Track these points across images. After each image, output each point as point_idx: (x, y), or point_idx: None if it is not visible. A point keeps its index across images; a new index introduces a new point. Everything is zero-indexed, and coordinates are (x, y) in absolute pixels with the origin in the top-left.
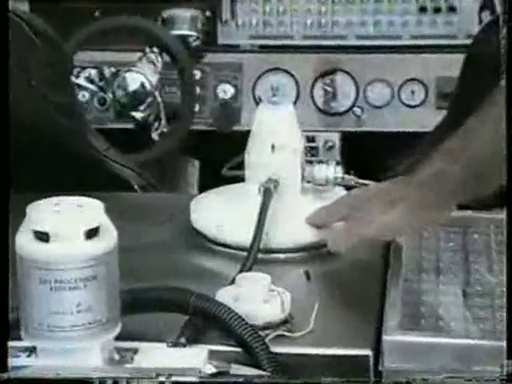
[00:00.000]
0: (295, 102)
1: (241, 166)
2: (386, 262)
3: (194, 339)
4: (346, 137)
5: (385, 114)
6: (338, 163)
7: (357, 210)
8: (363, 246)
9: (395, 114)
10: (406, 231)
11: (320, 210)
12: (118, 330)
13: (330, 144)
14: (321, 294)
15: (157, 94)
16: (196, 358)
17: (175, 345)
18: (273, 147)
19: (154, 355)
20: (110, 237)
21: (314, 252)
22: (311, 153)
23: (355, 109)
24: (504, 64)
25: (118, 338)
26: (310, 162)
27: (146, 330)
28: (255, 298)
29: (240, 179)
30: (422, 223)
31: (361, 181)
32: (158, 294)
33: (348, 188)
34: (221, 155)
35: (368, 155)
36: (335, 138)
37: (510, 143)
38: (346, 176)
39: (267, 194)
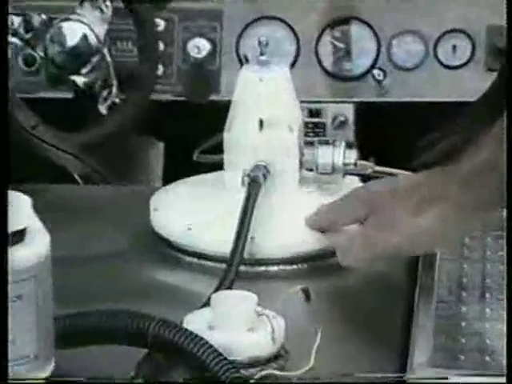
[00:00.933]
0: (293, 63)
1: (218, 148)
2: (414, 276)
3: (154, 380)
4: (363, 109)
5: (415, 79)
6: (350, 145)
7: (377, 211)
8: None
9: (429, 77)
10: (445, 243)
11: (325, 207)
12: (50, 370)
13: (340, 119)
14: (324, 320)
15: (105, 51)
16: None
17: None
18: (261, 123)
19: None
20: (40, 243)
21: (316, 264)
22: (315, 131)
23: (375, 71)
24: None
25: (50, 381)
26: (312, 144)
27: (89, 369)
28: (237, 324)
29: (217, 166)
30: (466, 231)
31: (382, 168)
32: (107, 320)
33: (364, 179)
34: (192, 134)
35: (392, 134)
36: (348, 110)
37: (509, 144)
38: (362, 162)
39: (253, 186)
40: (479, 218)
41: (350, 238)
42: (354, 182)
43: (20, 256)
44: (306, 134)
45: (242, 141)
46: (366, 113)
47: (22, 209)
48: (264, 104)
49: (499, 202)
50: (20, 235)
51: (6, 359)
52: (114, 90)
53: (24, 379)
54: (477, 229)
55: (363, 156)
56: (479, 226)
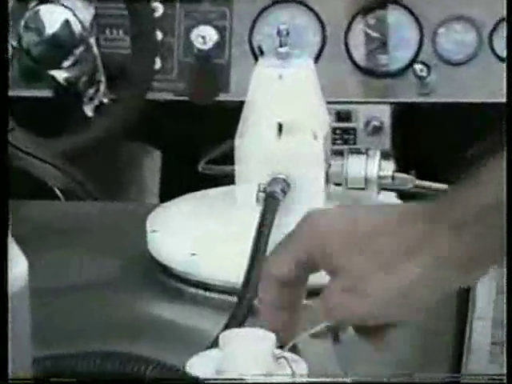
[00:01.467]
0: (318, 57)
1: (228, 158)
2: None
3: None
4: (402, 112)
5: (465, 75)
6: (386, 154)
7: (331, 263)
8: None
9: (483, 73)
10: (423, 307)
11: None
12: None
13: (374, 123)
14: (355, 364)
15: (91, 40)
16: None
17: None
18: (279, 128)
19: None
20: (16, 270)
21: None
22: (344, 138)
23: (417, 66)
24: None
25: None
26: (340, 153)
27: None
28: (251, 369)
29: (226, 179)
30: (449, 291)
31: (424, 183)
32: (95, 363)
33: (403, 194)
34: (196, 141)
35: (436, 141)
36: (383, 113)
37: (509, 144)
38: (400, 175)
39: (270, 203)
40: (467, 275)
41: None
42: (391, 199)
43: None
44: (333, 142)
45: (257, 149)
46: (406, 116)
47: None
48: (283, 105)
49: (496, 258)
50: None
51: (5, 359)
52: (102, 87)
53: (24, 379)
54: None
55: (401, 168)
56: (465, 285)
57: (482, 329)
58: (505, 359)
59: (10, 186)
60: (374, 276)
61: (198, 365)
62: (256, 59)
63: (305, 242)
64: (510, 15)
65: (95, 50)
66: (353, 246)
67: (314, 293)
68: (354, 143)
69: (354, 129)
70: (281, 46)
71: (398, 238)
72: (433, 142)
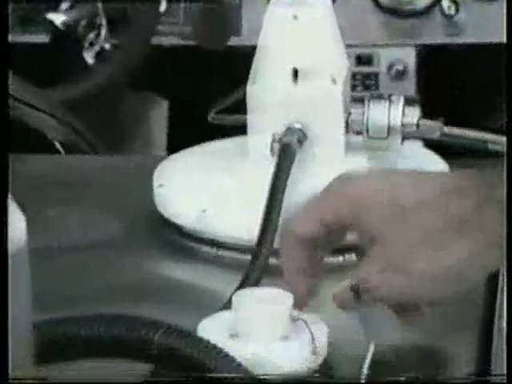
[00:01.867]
0: None
1: (239, 107)
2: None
3: None
4: (428, 54)
5: (497, 12)
6: (411, 100)
7: (368, 233)
8: None
9: None
10: (468, 285)
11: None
12: None
13: (398, 67)
14: (379, 329)
15: None
16: None
17: None
18: (295, 74)
19: None
20: (14, 229)
21: None
22: (365, 83)
23: (444, 3)
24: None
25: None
26: (361, 100)
27: None
28: (267, 332)
29: (238, 130)
30: (492, 269)
31: (452, 130)
32: (101, 327)
33: (429, 143)
34: (205, 89)
35: (465, 86)
36: (408, 56)
37: (509, 143)
38: (427, 122)
39: (286, 154)
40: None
41: None
42: (416, 148)
43: None
44: (353, 88)
45: (271, 97)
46: (432, 59)
47: None
48: (299, 49)
49: None
50: None
51: (5, 359)
52: (103, 32)
53: (24, 379)
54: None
55: (427, 115)
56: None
57: None
58: (505, 359)
59: (10, 139)
60: (418, 252)
61: (210, 328)
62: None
63: (336, 203)
64: (510, 15)
65: None
66: (395, 216)
67: None
68: (376, 89)
69: (375, 73)
70: None
71: (446, 213)
72: (461, 86)
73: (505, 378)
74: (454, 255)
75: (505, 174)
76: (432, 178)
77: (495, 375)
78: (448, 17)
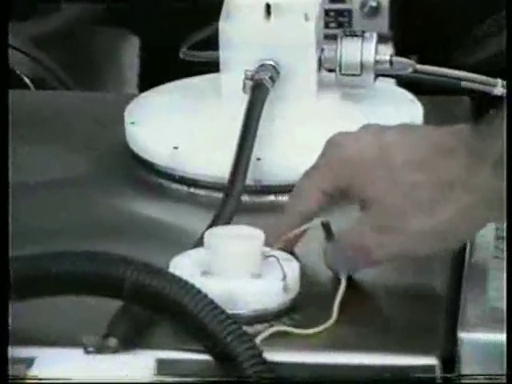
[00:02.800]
0: None
1: (211, 42)
2: None
3: (130, 340)
4: None
5: None
6: (384, 37)
7: (360, 190)
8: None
9: None
10: (457, 242)
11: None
12: None
13: (371, 4)
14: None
15: None
16: (135, 370)
17: (99, 350)
18: (268, 9)
19: (63, 368)
20: None
21: None
22: (338, 20)
23: None
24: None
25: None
26: (334, 37)
27: (51, 326)
28: (238, 269)
29: (210, 66)
30: (480, 228)
31: (424, 67)
32: (73, 263)
33: (401, 81)
34: (177, 25)
35: (438, 21)
36: None
37: (509, 139)
38: (399, 59)
39: (258, 91)
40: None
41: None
42: (389, 86)
43: None
44: (326, 25)
45: (243, 33)
46: None
47: None
48: None
49: None
50: None
51: (5, 359)
52: None
53: (24, 379)
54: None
55: (402, 53)
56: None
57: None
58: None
59: None
60: (411, 212)
61: (182, 265)
62: None
63: (332, 172)
64: (510, 15)
65: None
66: (386, 178)
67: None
68: (350, 26)
69: (349, 10)
70: None
71: (439, 172)
72: (434, 21)
73: (505, 378)
74: (445, 215)
75: (505, 174)
76: (423, 136)
77: (495, 375)
78: None
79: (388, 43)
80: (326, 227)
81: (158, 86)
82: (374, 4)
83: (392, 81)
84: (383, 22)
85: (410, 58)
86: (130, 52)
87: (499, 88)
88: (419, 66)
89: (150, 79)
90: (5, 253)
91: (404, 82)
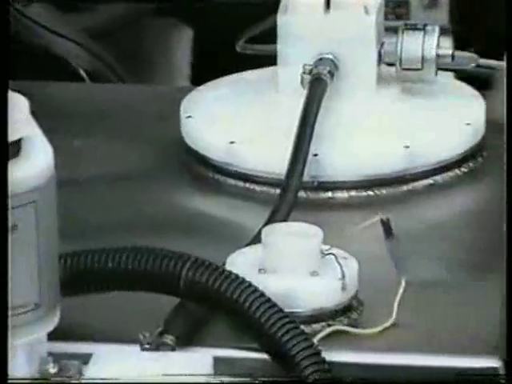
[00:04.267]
0: None
1: (269, 36)
2: None
3: (188, 338)
4: None
5: None
6: (445, 31)
7: None
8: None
9: None
10: None
11: None
12: (55, 322)
13: None
14: (409, 262)
15: None
16: (193, 368)
17: (157, 347)
18: (327, 2)
19: (120, 366)
20: (41, 159)
21: (398, 189)
22: (396, 12)
23: None
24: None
25: (53, 337)
26: (394, 30)
27: (105, 323)
28: (296, 267)
29: (268, 60)
30: None
31: (488, 61)
32: (127, 260)
33: (463, 75)
34: (233, 17)
35: (502, 13)
36: None
37: (509, 138)
38: (462, 53)
39: (317, 85)
40: None
41: None
42: (450, 80)
43: (15, 175)
44: (384, 17)
45: (302, 26)
46: None
47: (16, 113)
48: None
49: None
50: (14, 148)
51: (5, 359)
52: None
53: (24, 379)
54: None
55: (461, 45)
56: None
57: None
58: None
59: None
60: None
61: (239, 262)
62: None
63: None
64: (511, 15)
65: None
66: None
67: None
68: (408, 18)
69: (406, 1)
70: None
71: None
72: (497, 13)
73: (505, 378)
74: None
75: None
76: None
77: (495, 375)
78: None
79: (447, 35)
80: (386, 225)
81: (212, 79)
82: None
83: (450, 74)
84: (442, 14)
85: (470, 51)
86: (183, 43)
87: None
88: (482, 61)
89: (204, 73)
90: (5, 253)
91: (463, 76)
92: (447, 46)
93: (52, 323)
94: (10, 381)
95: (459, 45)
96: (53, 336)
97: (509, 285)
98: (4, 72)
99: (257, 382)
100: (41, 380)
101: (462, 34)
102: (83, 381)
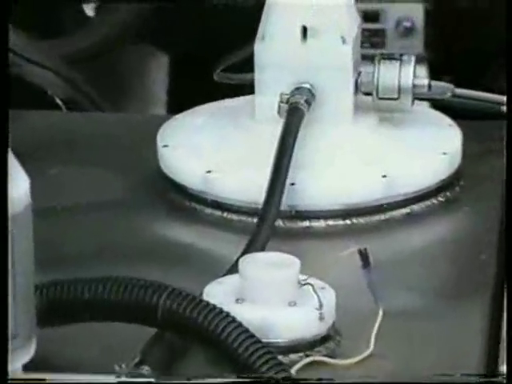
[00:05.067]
0: None
1: (247, 64)
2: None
3: (164, 368)
4: (437, 10)
5: None
6: (421, 59)
7: None
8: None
9: None
10: None
11: None
12: (31, 353)
13: (406, 24)
14: (387, 292)
15: None
16: None
17: (132, 377)
18: (304, 32)
19: None
20: (17, 188)
21: (376, 218)
22: (372, 40)
23: None
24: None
25: (27, 368)
26: (369, 58)
27: (81, 354)
28: (273, 297)
29: (245, 88)
30: None
31: (464, 91)
32: (104, 289)
33: (438, 105)
34: (210, 44)
35: (477, 44)
36: (416, 12)
37: (509, 136)
38: (438, 83)
39: (294, 114)
40: None
41: None
42: (427, 110)
43: None
44: (361, 45)
45: (279, 55)
46: (442, 15)
47: None
48: (308, 7)
49: None
50: None
51: (5, 359)
52: None
53: (24, 379)
54: None
55: (437, 74)
56: None
57: None
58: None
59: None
60: None
61: (216, 292)
62: None
63: None
64: (511, 15)
65: None
66: None
67: None
68: (383, 46)
69: (382, 30)
70: None
71: None
72: (472, 44)
73: (505, 377)
74: None
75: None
76: None
77: (495, 375)
78: None
79: (423, 64)
80: (363, 254)
81: (187, 107)
82: (408, 24)
83: (426, 103)
84: (418, 43)
85: (445, 79)
86: (161, 72)
87: None
88: (458, 90)
89: (180, 100)
90: (5, 253)
91: (440, 105)
92: (423, 75)
93: (28, 354)
94: (9, 381)
95: (435, 73)
96: (28, 367)
97: (509, 285)
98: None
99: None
100: (40, 381)
101: (438, 62)
102: None
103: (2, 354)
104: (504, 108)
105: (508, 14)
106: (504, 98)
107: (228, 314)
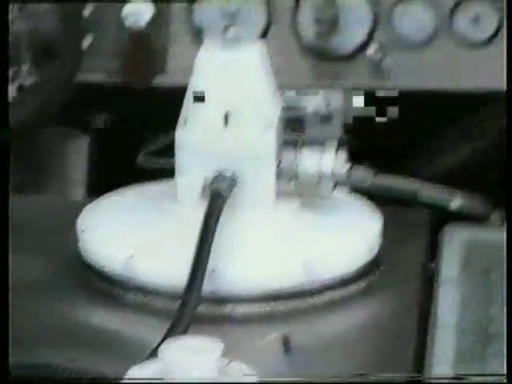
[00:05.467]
0: (264, 34)
1: (168, 150)
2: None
3: None
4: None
5: (424, 59)
6: (340, 145)
7: None
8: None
9: (443, 57)
10: None
11: None
12: None
13: (324, 111)
14: (309, 377)
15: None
16: None
17: None
18: (226, 118)
19: None
20: None
21: (297, 303)
22: (292, 127)
23: (371, 48)
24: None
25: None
26: (294, 145)
27: None
28: (194, 381)
29: (167, 173)
30: None
31: (382, 180)
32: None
33: (358, 192)
34: (131, 129)
35: (394, 132)
36: (335, 100)
37: (509, 142)
38: (358, 171)
39: (216, 200)
40: None
41: None
42: (349, 196)
43: None
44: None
45: (201, 141)
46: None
47: None
48: (230, 93)
49: None
50: None
51: (5, 359)
52: (25, 67)
53: (25, 379)
54: None
55: (357, 160)
56: None
57: (444, 337)
58: (505, 360)
59: None
60: None
61: (138, 377)
62: (197, 39)
63: None
64: (510, 15)
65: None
66: None
67: None
68: (303, 132)
69: (301, 118)
70: (227, 27)
71: None
72: (390, 132)
73: (505, 378)
74: None
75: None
76: None
77: (495, 375)
78: (375, 62)
79: (344, 150)
80: (285, 339)
81: (107, 191)
82: (326, 113)
83: (347, 189)
84: (337, 129)
85: (367, 166)
86: (80, 156)
87: (457, 202)
88: (376, 179)
89: (100, 184)
90: (5, 253)
91: (362, 190)
92: (344, 161)
93: None
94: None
95: (356, 158)
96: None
97: (509, 286)
98: None
99: None
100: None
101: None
102: None
103: (1, 354)
104: (420, 197)
105: (508, 14)
106: (421, 186)
107: None
